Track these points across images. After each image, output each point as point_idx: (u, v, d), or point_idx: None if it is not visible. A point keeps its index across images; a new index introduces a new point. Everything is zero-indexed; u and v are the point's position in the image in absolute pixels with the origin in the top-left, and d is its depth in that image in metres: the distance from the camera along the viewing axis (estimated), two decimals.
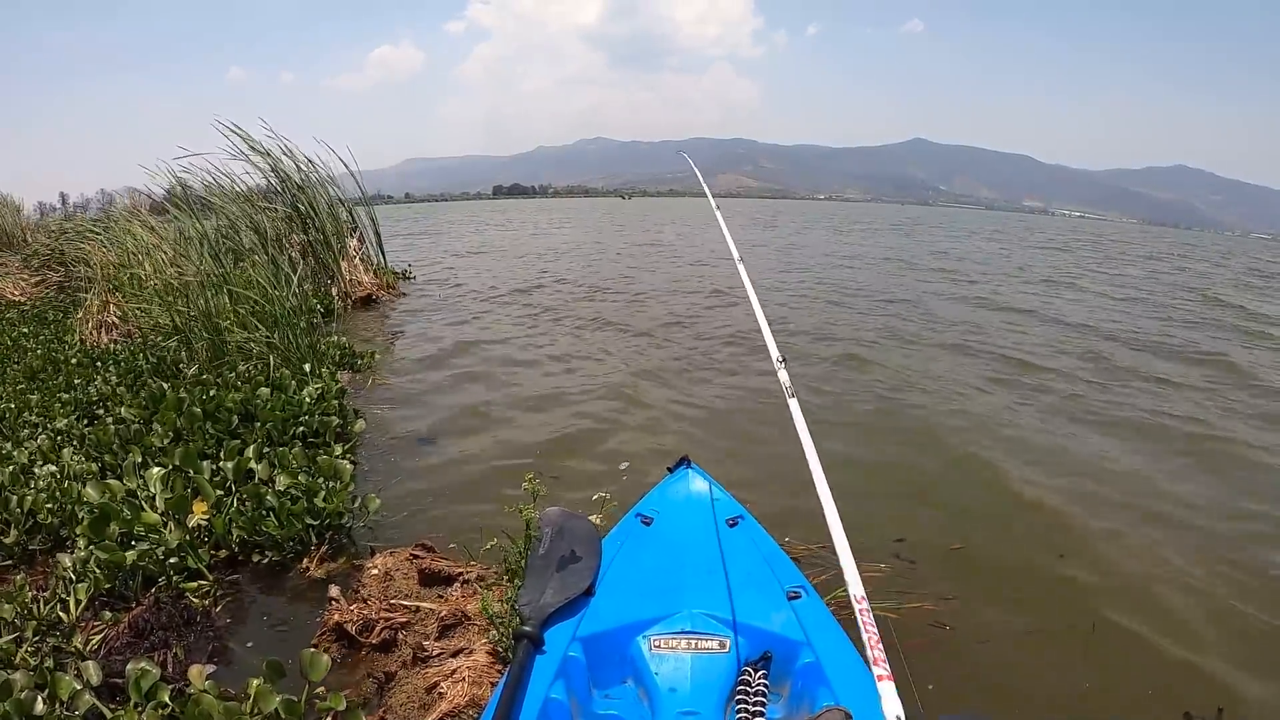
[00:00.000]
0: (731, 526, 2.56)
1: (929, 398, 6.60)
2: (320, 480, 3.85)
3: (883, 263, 20.41)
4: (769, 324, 2.62)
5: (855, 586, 1.37)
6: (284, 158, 11.56)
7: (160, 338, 6.70)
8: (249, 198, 11.24)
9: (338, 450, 4.35)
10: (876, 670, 1.16)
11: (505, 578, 3.14)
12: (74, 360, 6.58)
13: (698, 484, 2.79)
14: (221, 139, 11.07)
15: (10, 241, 14.43)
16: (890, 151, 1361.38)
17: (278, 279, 6.65)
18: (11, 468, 4.07)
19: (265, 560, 3.53)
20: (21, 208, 16.22)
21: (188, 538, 3.38)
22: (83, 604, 3.10)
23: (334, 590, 3.22)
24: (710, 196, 4.18)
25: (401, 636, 2.92)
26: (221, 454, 4.10)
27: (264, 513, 3.55)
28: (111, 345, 7.32)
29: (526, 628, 2.02)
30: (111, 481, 3.75)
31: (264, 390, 5.04)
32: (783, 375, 2.25)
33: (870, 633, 1.25)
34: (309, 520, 3.58)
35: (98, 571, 3.16)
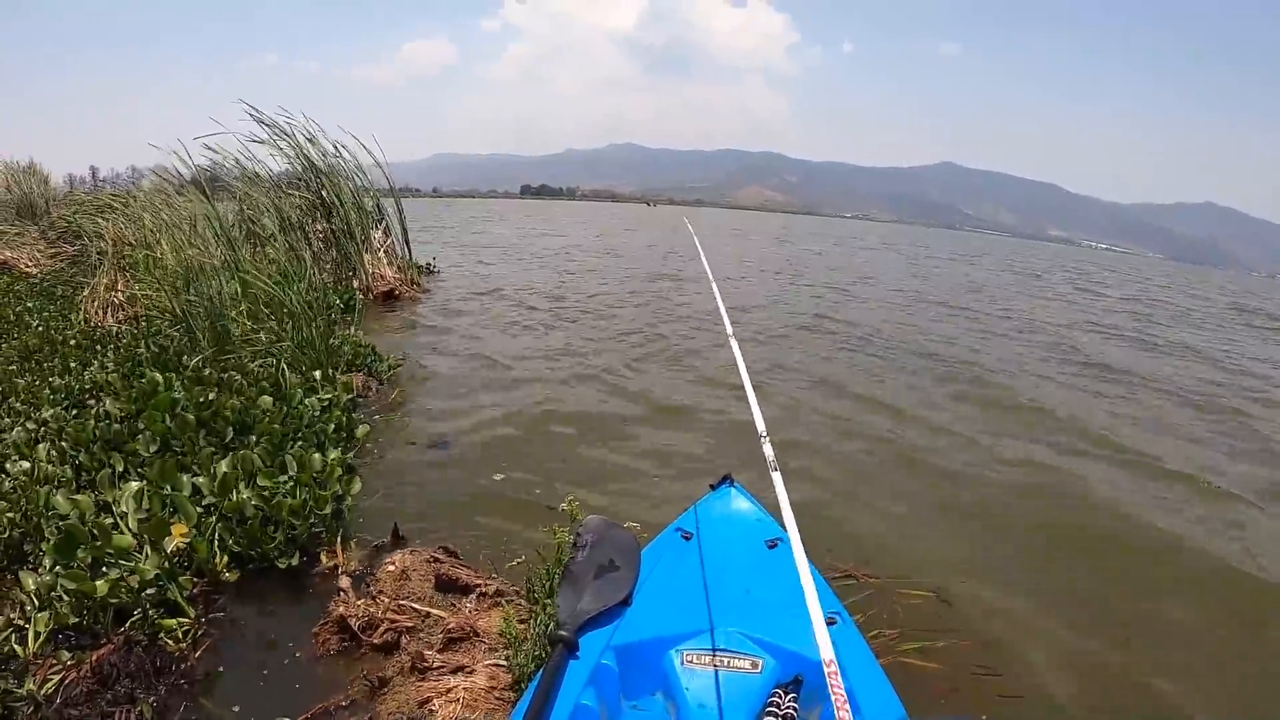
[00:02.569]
0: (771, 548, 2.53)
1: None
2: (309, 481, 3.57)
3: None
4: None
5: (825, 650, 1.36)
6: (308, 143, 11.18)
7: (165, 324, 6.28)
8: (274, 183, 10.88)
9: (333, 454, 3.90)
10: None
11: (526, 598, 3.06)
12: (72, 341, 6.20)
13: (739, 503, 2.78)
14: (245, 123, 10.78)
15: (33, 212, 14.15)
16: (918, 174, 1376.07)
17: (297, 269, 6.22)
18: None
19: (252, 578, 3.26)
20: (49, 179, 15.93)
21: (166, 565, 2.98)
22: (42, 636, 2.71)
23: (344, 581, 3.17)
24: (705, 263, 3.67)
25: (405, 641, 2.85)
26: (205, 468, 3.66)
27: (246, 524, 3.29)
28: (115, 328, 6.92)
29: (562, 632, 2.03)
30: (81, 497, 3.30)
31: (266, 399, 4.59)
32: (767, 449, 2.22)
33: (838, 694, 1.24)
34: (299, 521, 3.38)
35: (65, 599, 2.76)
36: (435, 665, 2.64)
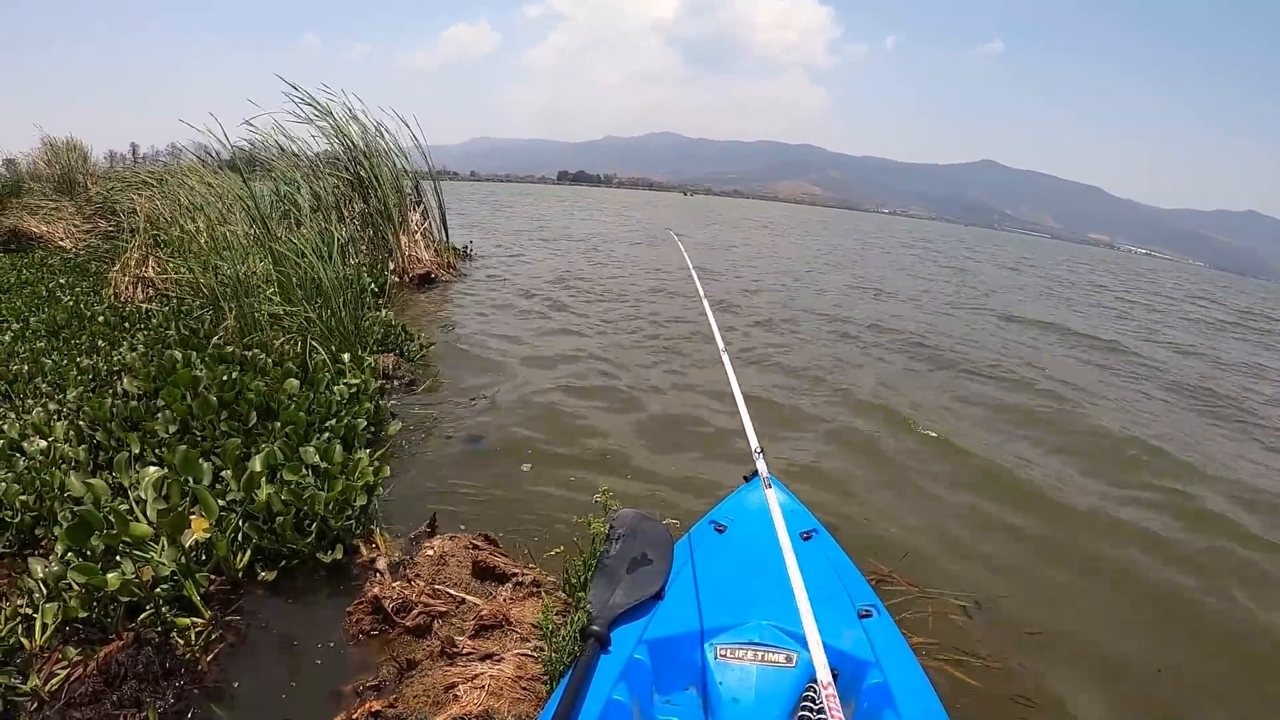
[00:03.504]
0: (805, 540, 2.51)
1: None
2: (338, 474, 3.42)
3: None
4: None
5: (823, 672, 1.32)
6: (349, 120, 10.93)
7: (196, 303, 6.13)
8: (312, 162, 10.71)
9: (361, 453, 3.68)
10: None
11: (564, 589, 3.02)
12: (101, 319, 6.07)
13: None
14: (287, 104, 10.64)
15: (71, 187, 14.18)
16: (958, 172, 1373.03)
17: (329, 247, 6.03)
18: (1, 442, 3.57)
19: (274, 578, 3.08)
20: (89, 155, 15.95)
21: (182, 559, 2.80)
22: (49, 629, 2.56)
23: (381, 563, 3.16)
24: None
25: (437, 625, 2.82)
26: (229, 458, 3.46)
27: (275, 520, 3.14)
28: (145, 306, 6.78)
29: (595, 627, 2.01)
30: (96, 480, 3.13)
31: (292, 383, 4.38)
32: (761, 466, 2.21)
33: (836, 715, 1.19)
34: (334, 517, 3.24)
35: (75, 589, 2.60)
36: (465, 651, 2.60)
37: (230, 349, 4.93)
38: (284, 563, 3.11)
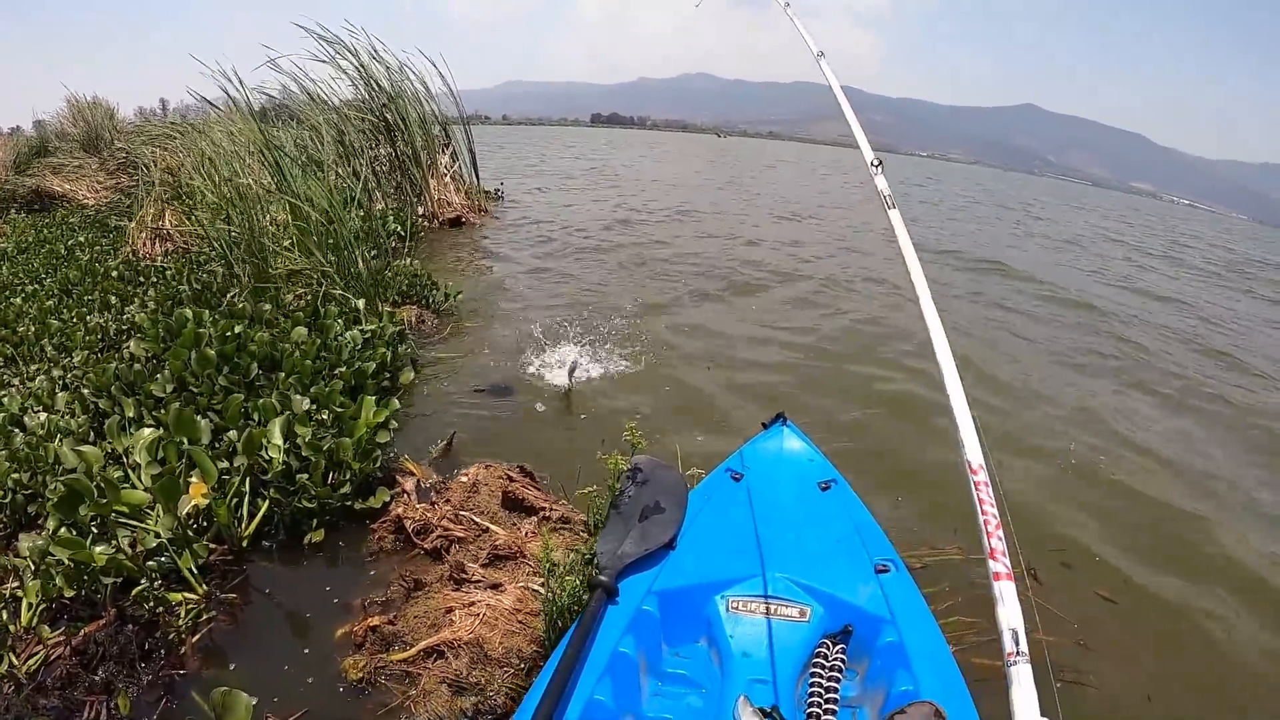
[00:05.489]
0: (823, 490, 2.47)
1: None
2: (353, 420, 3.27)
3: None
4: None
5: (973, 452, 1.11)
6: (373, 61, 10.51)
7: (210, 256, 5.89)
8: (337, 107, 10.42)
9: (369, 409, 3.42)
10: (993, 566, 0.94)
11: (588, 529, 2.92)
12: (114, 274, 5.85)
13: (792, 443, 2.71)
14: (307, 42, 10.41)
15: (98, 145, 14.09)
16: (999, 115, 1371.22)
17: (354, 193, 5.76)
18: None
19: (276, 547, 2.93)
20: (115, 112, 15.83)
21: (178, 528, 2.56)
22: (35, 608, 2.37)
23: (408, 484, 3.18)
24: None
25: (454, 550, 2.83)
26: (231, 417, 3.20)
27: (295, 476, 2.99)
28: (160, 261, 6.57)
29: (602, 577, 1.97)
30: (89, 449, 2.88)
31: (300, 330, 4.10)
32: (880, 182, 1.85)
33: (988, 515, 1.00)
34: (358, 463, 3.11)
35: (64, 564, 2.39)
36: (474, 578, 2.61)
37: (241, 305, 4.66)
38: (314, 520, 2.96)
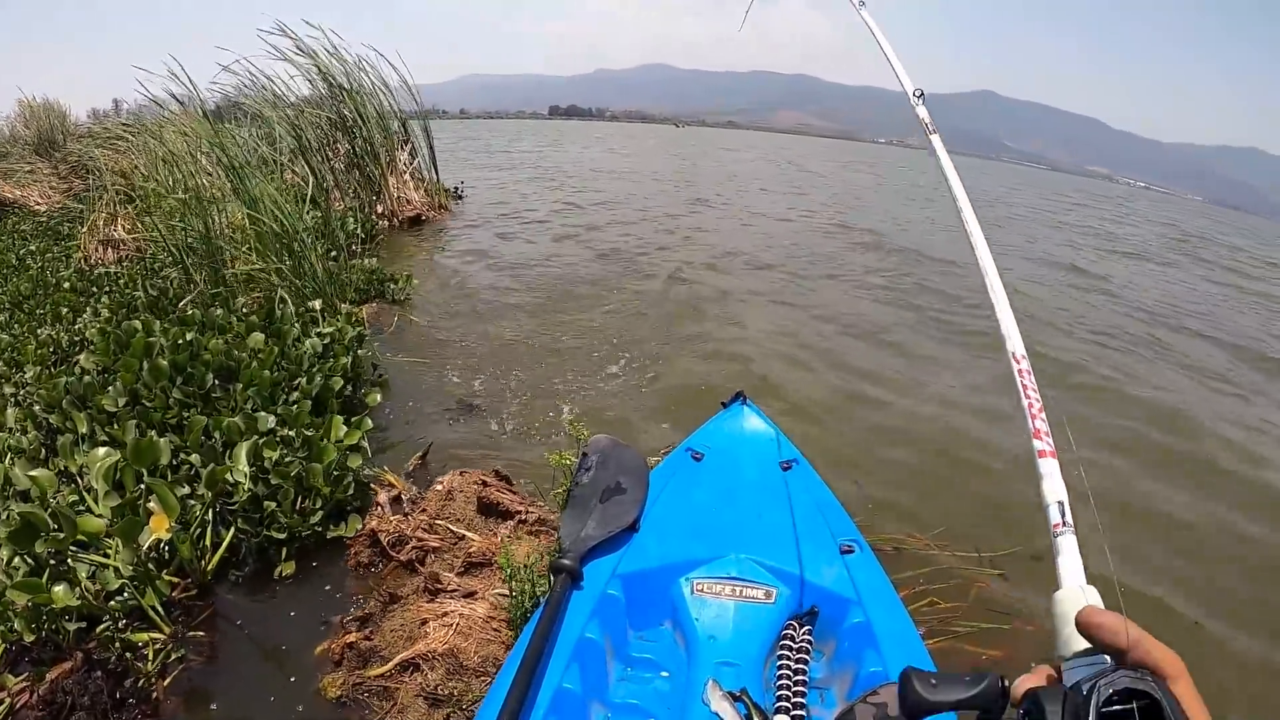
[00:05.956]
0: (785, 470, 2.45)
1: None
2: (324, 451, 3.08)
3: None
4: None
5: (1014, 343, 1.14)
6: (330, 59, 10.33)
7: (165, 261, 5.73)
8: (293, 105, 10.23)
9: (338, 429, 3.31)
10: (1037, 445, 0.98)
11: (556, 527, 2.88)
12: (67, 285, 5.67)
13: (753, 421, 2.69)
14: (270, 40, 10.22)
15: (51, 148, 13.81)
16: (958, 101, 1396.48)
17: (307, 193, 5.64)
18: None
19: (243, 578, 2.82)
20: (67, 114, 15.53)
21: (139, 562, 2.44)
22: None
23: (382, 497, 3.13)
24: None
25: (429, 560, 2.81)
26: (189, 436, 3.06)
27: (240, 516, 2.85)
28: (113, 267, 6.40)
29: (565, 560, 1.94)
30: (41, 471, 2.71)
31: (256, 337, 3.97)
32: (921, 111, 1.74)
33: (1031, 398, 1.05)
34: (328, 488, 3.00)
35: (21, 605, 2.25)
36: (449, 588, 2.60)
37: (193, 311, 4.48)
38: (284, 551, 2.87)
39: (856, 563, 2.05)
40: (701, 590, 1.96)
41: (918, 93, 1.75)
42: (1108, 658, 0.67)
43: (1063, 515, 0.87)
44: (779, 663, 1.78)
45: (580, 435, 2.87)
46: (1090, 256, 13.58)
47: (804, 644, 1.82)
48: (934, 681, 0.79)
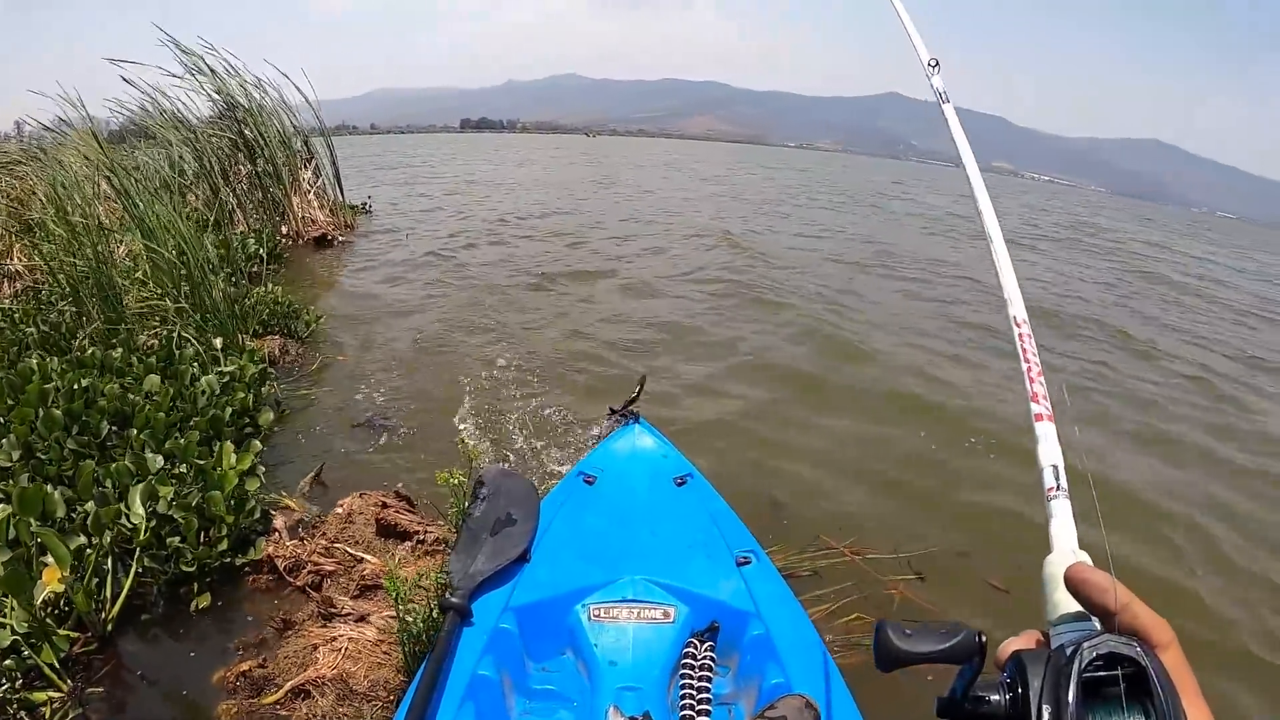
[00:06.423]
0: (679, 485, 2.46)
1: None
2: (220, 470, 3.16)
3: None
4: None
5: (1016, 307, 1.20)
6: (229, 78, 10.18)
7: (57, 295, 5.61)
8: (194, 126, 10.06)
9: (229, 456, 3.34)
10: (1035, 408, 1.00)
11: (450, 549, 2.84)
12: None
13: (644, 440, 2.69)
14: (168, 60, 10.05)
15: None
16: (864, 103, 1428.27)
17: (208, 217, 5.59)
18: None
19: (154, 619, 2.79)
20: None
21: (33, 620, 2.42)
22: None
23: (279, 522, 3.14)
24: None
25: (326, 584, 2.83)
26: (80, 485, 3.03)
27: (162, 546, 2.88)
28: (7, 303, 6.22)
29: (454, 599, 1.91)
30: None
31: (153, 379, 3.96)
32: (937, 81, 1.79)
33: (1030, 362, 1.09)
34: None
35: None
36: (343, 612, 2.60)
37: (91, 351, 4.40)
38: (195, 584, 2.87)
39: (753, 573, 2.07)
40: (599, 615, 1.95)
41: (932, 62, 1.81)
42: (1097, 623, 0.67)
43: (1057, 479, 0.90)
44: (682, 682, 1.79)
45: (473, 456, 2.90)
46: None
47: (706, 661, 1.83)
48: (908, 631, 0.76)
